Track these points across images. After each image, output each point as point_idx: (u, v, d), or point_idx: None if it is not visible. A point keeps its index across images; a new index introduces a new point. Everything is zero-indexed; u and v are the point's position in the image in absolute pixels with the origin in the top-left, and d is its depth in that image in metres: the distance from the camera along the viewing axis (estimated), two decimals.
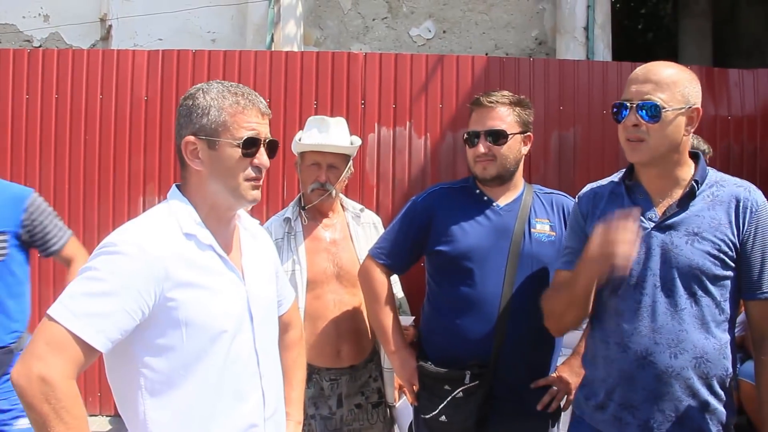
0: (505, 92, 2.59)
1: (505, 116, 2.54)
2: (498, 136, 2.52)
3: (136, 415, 1.65)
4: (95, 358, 1.55)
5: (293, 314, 2.20)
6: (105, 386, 5.29)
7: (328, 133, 2.93)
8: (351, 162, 3.00)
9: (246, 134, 1.72)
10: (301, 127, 5.34)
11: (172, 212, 1.73)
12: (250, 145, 1.73)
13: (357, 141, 3.02)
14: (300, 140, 2.99)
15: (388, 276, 2.69)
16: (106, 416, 5.31)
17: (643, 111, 1.97)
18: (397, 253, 2.65)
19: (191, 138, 1.74)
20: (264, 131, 1.77)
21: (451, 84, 5.49)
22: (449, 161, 5.43)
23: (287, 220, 2.97)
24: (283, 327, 2.13)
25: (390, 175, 5.19)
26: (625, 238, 1.89)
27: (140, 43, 7.46)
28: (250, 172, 1.74)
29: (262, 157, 1.76)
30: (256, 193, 1.78)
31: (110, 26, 7.64)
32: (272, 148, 1.80)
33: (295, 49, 6.72)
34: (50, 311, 1.52)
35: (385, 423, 3.00)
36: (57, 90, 5.46)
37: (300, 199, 3.04)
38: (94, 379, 5.29)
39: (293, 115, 5.43)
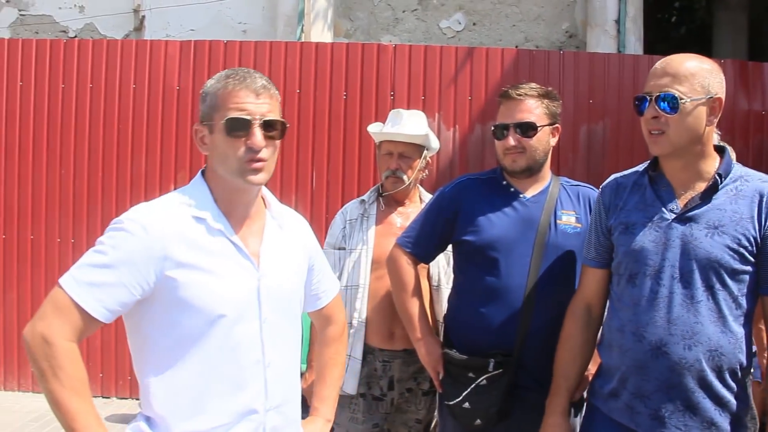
0: (533, 84, 2.60)
1: (533, 108, 2.55)
2: (527, 129, 2.53)
3: (143, 386, 1.73)
4: (96, 327, 1.63)
5: (335, 309, 2.15)
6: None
7: (400, 124, 3.04)
8: (427, 154, 3.09)
9: (231, 115, 1.70)
10: (330, 118, 5.44)
11: (187, 195, 1.76)
12: (234, 126, 1.70)
13: (428, 132, 3.09)
14: (379, 131, 3.12)
15: (415, 264, 2.71)
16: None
17: (661, 103, 1.99)
18: (423, 242, 2.67)
19: (198, 125, 1.79)
20: (259, 111, 1.71)
21: (480, 76, 5.49)
22: (478, 153, 5.44)
23: (363, 202, 3.11)
24: (325, 321, 2.12)
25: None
26: None
27: (173, 33, 7.55)
28: (242, 152, 1.70)
29: (253, 137, 1.70)
30: (255, 177, 1.73)
31: (143, 17, 7.75)
32: (279, 129, 1.76)
33: (325, 41, 6.75)
34: (60, 279, 1.62)
35: (430, 411, 3.01)
36: (92, 80, 5.57)
37: (379, 186, 3.16)
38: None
39: (323, 106, 5.48)
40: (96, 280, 1.60)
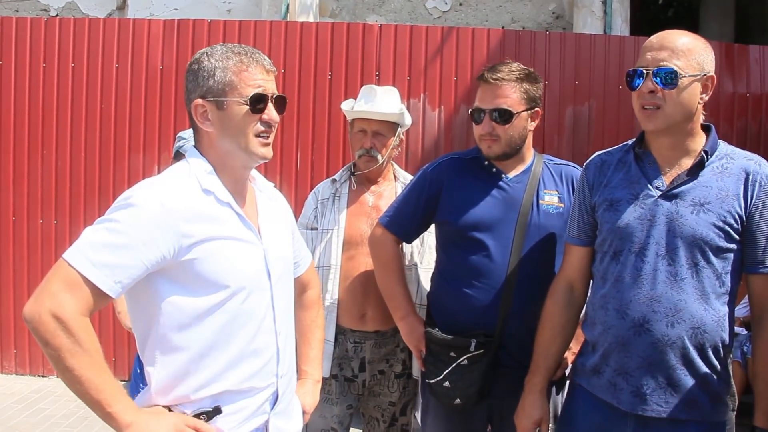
0: (513, 66, 2.52)
1: (510, 93, 2.48)
2: (503, 115, 2.48)
3: (151, 358, 1.71)
4: (106, 303, 1.62)
5: (311, 274, 2.24)
6: (119, 352, 5.39)
7: (374, 102, 2.96)
8: (401, 131, 3.01)
9: (253, 91, 1.75)
10: (315, 98, 5.40)
11: (192, 170, 1.77)
12: (258, 102, 1.75)
13: (402, 109, 3.00)
14: (351, 109, 3.03)
15: (398, 244, 2.71)
16: (120, 380, 5.41)
17: (660, 77, 1.97)
18: (406, 221, 2.66)
19: (200, 101, 1.77)
20: (270, 87, 1.79)
21: (466, 57, 5.46)
22: (462, 134, 5.43)
23: (334, 181, 3.06)
24: (302, 287, 2.18)
25: (404, 147, 5.19)
26: None
27: (156, 12, 7.46)
28: (259, 127, 1.78)
29: (271, 112, 1.79)
30: (266, 150, 1.81)
31: None
32: (280, 104, 1.83)
33: (311, 20, 6.70)
34: (67, 257, 1.57)
35: (404, 394, 3.00)
36: (73, 59, 5.50)
37: (351, 165, 3.10)
38: (108, 344, 5.39)
39: (307, 85, 5.44)
40: (114, 262, 1.58)
